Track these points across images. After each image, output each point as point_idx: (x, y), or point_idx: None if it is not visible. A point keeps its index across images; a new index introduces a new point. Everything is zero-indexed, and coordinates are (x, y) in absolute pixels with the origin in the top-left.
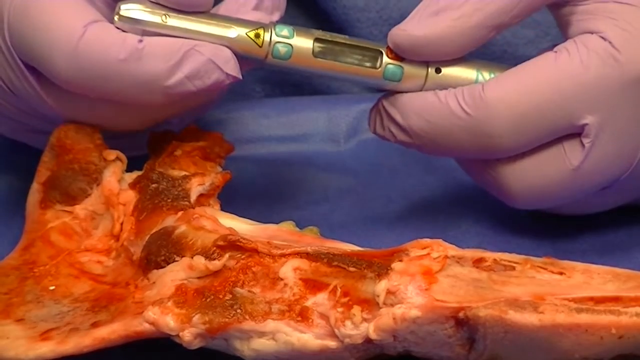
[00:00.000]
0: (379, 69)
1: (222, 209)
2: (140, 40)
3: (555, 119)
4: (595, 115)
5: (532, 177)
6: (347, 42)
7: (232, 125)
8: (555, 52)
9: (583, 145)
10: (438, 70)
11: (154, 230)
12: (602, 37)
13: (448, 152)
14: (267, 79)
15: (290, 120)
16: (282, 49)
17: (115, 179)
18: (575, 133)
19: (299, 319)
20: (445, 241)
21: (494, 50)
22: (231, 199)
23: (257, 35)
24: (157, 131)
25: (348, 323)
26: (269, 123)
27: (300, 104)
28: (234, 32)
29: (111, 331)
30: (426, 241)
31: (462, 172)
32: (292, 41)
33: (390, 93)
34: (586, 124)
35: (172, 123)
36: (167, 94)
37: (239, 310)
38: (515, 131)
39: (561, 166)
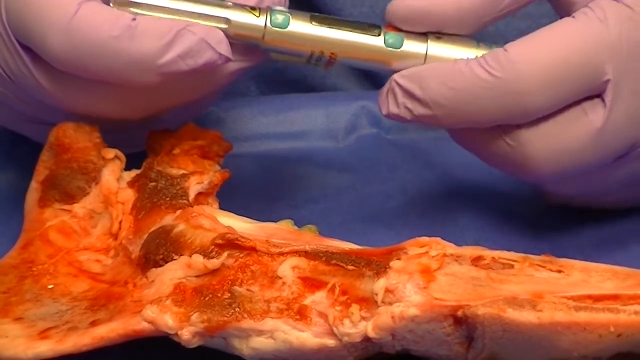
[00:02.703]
0: (379, 37)
1: (221, 207)
2: (134, 19)
3: (581, 74)
4: (616, 71)
5: (555, 140)
6: (344, 19)
7: (231, 123)
8: (574, 16)
9: (604, 104)
10: (438, 37)
11: (152, 229)
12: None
13: (470, 120)
14: (263, 76)
15: (288, 117)
16: (279, 15)
17: (114, 177)
18: (595, 95)
19: (298, 317)
20: (444, 237)
21: (486, 41)
22: (229, 197)
23: (254, 8)
24: (155, 130)
25: (346, 321)
26: (267, 121)
27: (299, 101)
28: (230, 4)
29: (110, 330)
30: (424, 239)
31: (460, 168)
32: (289, 11)
33: (402, 69)
34: (608, 80)
35: (167, 121)
36: (160, 73)
37: (237, 309)
38: (545, 88)
39: (585, 127)
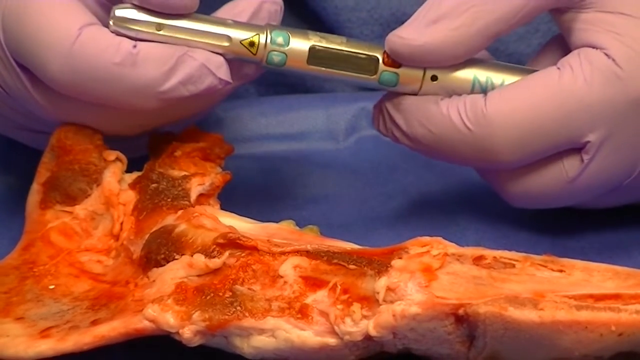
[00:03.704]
0: (374, 77)
1: (222, 208)
2: (135, 46)
3: (558, 136)
4: (597, 134)
5: (529, 185)
6: (343, 49)
7: (231, 124)
8: (559, 68)
9: (582, 160)
10: (434, 78)
11: (154, 229)
12: (606, 54)
13: (450, 159)
14: (261, 79)
15: (288, 118)
16: (275, 57)
17: (115, 179)
18: (576, 148)
19: (299, 316)
20: (445, 238)
21: (484, 62)
22: (230, 198)
23: (252, 44)
24: (157, 132)
25: (348, 320)
26: (268, 121)
27: (299, 102)
28: (227, 41)
29: (111, 329)
30: (426, 239)
31: (460, 169)
32: (286, 49)
33: (390, 94)
34: (588, 142)
35: (164, 129)
36: (160, 99)
37: (238, 308)
38: (517, 148)
39: (558, 177)
